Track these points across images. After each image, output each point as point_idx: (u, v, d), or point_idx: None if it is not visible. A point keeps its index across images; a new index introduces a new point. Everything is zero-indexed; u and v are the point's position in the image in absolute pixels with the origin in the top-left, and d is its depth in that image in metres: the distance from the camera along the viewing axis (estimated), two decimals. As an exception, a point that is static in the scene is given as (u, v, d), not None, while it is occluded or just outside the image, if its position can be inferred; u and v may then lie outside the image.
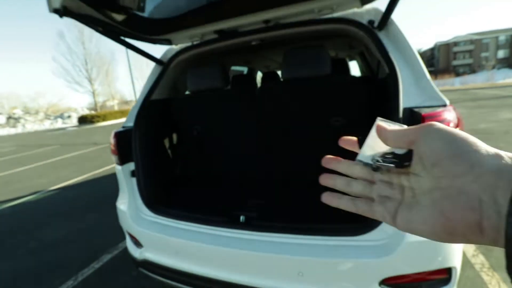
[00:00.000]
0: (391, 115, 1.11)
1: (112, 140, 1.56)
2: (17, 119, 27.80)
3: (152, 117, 1.71)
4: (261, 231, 1.22)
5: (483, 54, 48.83)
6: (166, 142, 1.97)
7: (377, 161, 0.31)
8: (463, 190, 0.23)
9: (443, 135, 0.26)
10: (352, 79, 1.44)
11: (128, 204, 1.55)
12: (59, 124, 28.30)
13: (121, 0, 1.36)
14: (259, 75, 4.13)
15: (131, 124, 1.63)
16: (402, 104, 1.07)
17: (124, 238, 2.63)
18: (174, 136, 2.08)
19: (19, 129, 25.42)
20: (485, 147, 0.24)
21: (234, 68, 3.40)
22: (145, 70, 37.52)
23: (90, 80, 27.59)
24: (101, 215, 3.29)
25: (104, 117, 21.62)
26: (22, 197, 4.42)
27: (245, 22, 1.59)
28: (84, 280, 2.14)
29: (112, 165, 5.90)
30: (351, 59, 4.15)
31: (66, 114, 30.53)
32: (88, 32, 27.08)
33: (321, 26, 1.40)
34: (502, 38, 48.24)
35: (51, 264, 2.40)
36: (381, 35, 1.30)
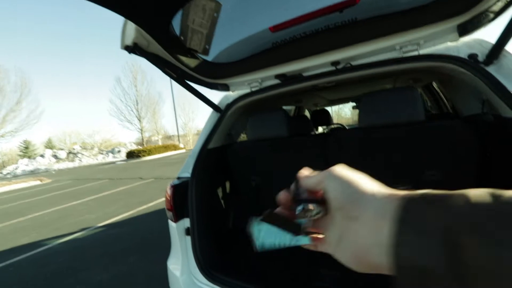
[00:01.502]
0: None
1: (168, 192, 1.44)
2: (75, 154, 31.15)
3: (210, 167, 1.59)
4: None
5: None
6: (220, 192, 1.82)
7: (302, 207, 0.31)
8: (358, 234, 0.27)
9: (341, 181, 0.29)
10: (456, 124, 1.15)
11: (181, 268, 1.36)
12: (110, 158, 30.97)
13: (188, 42, 1.36)
14: (306, 112, 3.99)
15: (187, 174, 1.52)
16: None
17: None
18: (227, 185, 1.92)
19: (76, 163, 28.30)
20: (376, 190, 0.28)
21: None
22: (187, 108, 40.51)
23: (139, 119, 30.40)
24: (143, 258, 3.18)
25: (150, 152, 23.12)
26: (72, 233, 4.58)
27: (311, 64, 1.46)
28: None
29: (156, 202, 5.99)
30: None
31: (116, 149, 33.46)
32: (140, 76, 30.61)
33: (407, 65, 1.19)
34: None
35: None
36: (491, 70, 1.04)
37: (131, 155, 23.83)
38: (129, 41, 1.20)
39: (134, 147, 33.20)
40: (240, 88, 1.73)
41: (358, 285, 1.16)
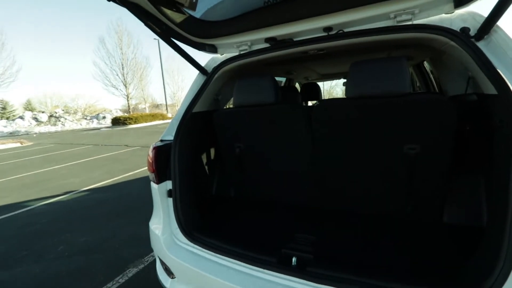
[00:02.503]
0: (509, 149, 0.84)
1: (150, 154, 1.42)
2: (57, 118, 29.96)
3: (194, 131, 1.56)
4: (318, 282, 0.99)
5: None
6: (204, 158, 1.81)
7: None
8: None
9: None
10: (435, 99, 1.17)
11: (163, 228, 1.39)
12: (94, 124, 30.05)
13: None
14: (297, 86, 3.93)
15: (170, 137, 1.49)
16: None
17: (150, 251, 2.52)
18: (212, 151, 1.92)
19: (58, 127, 27.35)
20: None
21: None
22: (176, 76, 39.04)
23: (125, 84, 29.10)
24: (128, 221, 3.24)
25: (136, 120, 22.54)
26: (56, 196, 4.55)
27: (303, 29, 1.40)
28: (108, 297, 2.02)
29: (141, 169, 5.97)
30: None
31: (101, 115, 32.39)
32: (126, 38, 28.79)
33: (399, 35, 1.16)
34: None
35: (77, 273, 2.33)
36: (481, 46, 1.03)
37: (116, 122, 23.17)
38: None
39: (120, 114, 32.22)
40: (228, 50, 1.66)
41: (332, 249, 1.23)
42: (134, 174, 5.67)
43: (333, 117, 1.38)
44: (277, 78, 3.53)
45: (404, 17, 1.20)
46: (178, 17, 1.40)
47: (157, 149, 1.41)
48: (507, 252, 0.77)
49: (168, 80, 38.33)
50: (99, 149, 10.00)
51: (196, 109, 1.56)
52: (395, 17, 1.22)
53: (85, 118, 32.06)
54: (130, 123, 22.10)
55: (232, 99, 2.13)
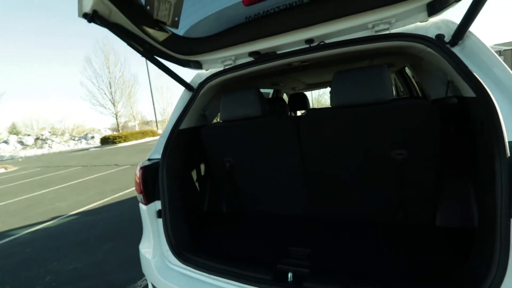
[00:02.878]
0: (491, 151, 0.86)
1: (137, 174, 1.38)
2: (44, 140, 29.23)
3: (182, 148, 1.54)
4: None
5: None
6: (194, 174, 1.78)
7: None
8: None
9: None
10: (418, 104, 1.19)
11: (153, 251, 1.34)
12: (83, 144, 29.43)
13: (155, 13, 1.26)
14: (285, 96, 3.97)
15: (158, 156, 1.46)
16: (508, 137, 0.82)
17: (143, 275, 2.42)
18: (202, 167, 1.89)
19: (45, 150, 26.62)
20: None
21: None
22: (165, 93, 39.05)
23: (113, 103, 28.84)
24: (119, 244, 3.11)
25: (126, 138, 22.21)
26: (42, 223, 4.36)
27: (285, 42, 1.42)
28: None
29: (132, 189, 5.82)
30: None
31: (90, 135, 31.79)
32: (113, 57, 28.79)
33: (377, 44, 1.20)
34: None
35: (65, 305, 2.20)
36: (456, 51, 1.07)
37: (105, 141, 22.77)
38: (87, 8, 1.08)
39: (109, 133, 31.74)
40: (213, 65, 1.67)
41: (328, 260, 1.20)
42: (125, 194, 5.52)
43: (320, 127, 1.38)
44: (264, 90, 3.57)
45: (381, 26, 1.24)
46: (161, 36, 1.40)
47: (144, 169, 1.38)
48: (500, 254, 0.77)
49: (157, 96, 38.27)
50: (88, 170, 9.75)
51: (183, 125, 1.55)
52: (373, 27, 1.25)
53: (73, 139, 31.40)
54: (119, 142, 21.76)
55: (218, 113, 2.12)
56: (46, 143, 28.77)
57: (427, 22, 1.22)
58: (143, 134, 24.13)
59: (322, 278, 1.02)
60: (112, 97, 28.58)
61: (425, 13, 1.16)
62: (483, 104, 0.89)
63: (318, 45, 1.35)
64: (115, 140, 21.95)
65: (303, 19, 1.31)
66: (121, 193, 5.60)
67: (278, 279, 1.06)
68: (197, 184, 1.80)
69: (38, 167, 13.32)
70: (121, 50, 33.44)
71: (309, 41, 1.39)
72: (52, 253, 3.17)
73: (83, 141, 30.57)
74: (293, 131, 1.46)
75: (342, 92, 1.23)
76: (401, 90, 3.12)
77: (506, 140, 0.81)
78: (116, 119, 29.73)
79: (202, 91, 1.59)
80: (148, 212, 1.36)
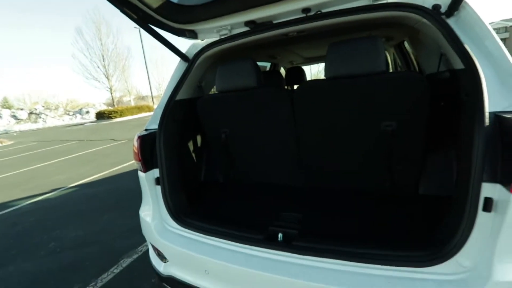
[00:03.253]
0: (470, 122, 0.90)
1: (135, 144, 1.42)
2: (38, 115, 28.79)
3: (178, 119, 1.56)
4: (302, 254, 1.05)
5: None
6: (191, 145, 1.82)
7: None
8: None
9: None
10: (409, 76, 1.22)
11: (152, 214, 1.41)
12: (78, 119, 29.11)
13: None
14: (282, 71, 3.92)
15: (155, 126, 1.49)
16: (488, 108, 0.86)
17: (144, 241, 2.55)
18: (199, 139, 1.92)
19: (39, 124, 26.35)
20: None
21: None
22: (159, 66, 38.00)
23: (107, 76, 28.08)
24: (119, 214, 3.24)
25: (121, 113, 21.98)
26: (42, 194, 4.46)
27: (281, 11, 1.39)
28: (103, 286, 2.05)
29: (130, 162, 5.90)
30: None
31: (84, 110, 31.33)
32: (105, 28, 27.55)
33: (374, 14, 1.19)
34: None
35: (70, 267, 2.34)
36: (451, 22, 1.07)
37: (101, 116, 22.53)
38: None
39: (104, 108, 31.26)
40: (209, 35, 1.64)
41: (316, 224, 1.29)
42: (123, 167, 5.61)
43: (313, 98, 1.41)
44: (262, 63, 3.51)
45: (379, -5, 1.22)
46: (155, 2, 1.36)
47: (141, 138, 1.41)
48: (469, 213, 0.84)
49: (152, 70, 37.23)
50: (85, 145, 9.76)
51: (179, 96, 1.56)
52: (371, -5, 1.24)
53: (68, 114, 30.98)
54: (115, 117, 21.56)
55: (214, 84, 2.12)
56: (40, 117, 28.38)
57: None
58: (139, 109, 23.85)
59: (309, 238, 1.11)
60: (106, 71, 27.79)
61: (423, -18, 1.14)
62: (470, 75, 0.91)
63: (315, 14, 1.34)
64: (111, 115, 21.72)
65: None
66: (118, 167, 5.68)
67: (269, 238, 1.14)
68: (193, 154, 1.85)
69: (34, 141, 13.28)
70: (113, 20, 31.93)
71: (306, 10, 1.37)
72: (54, 222, 3.29)
73: (78, 116, 30.20)
74: (287, 102, 1.49)
75: (336, 63, 1.24)
76: (400, 65, 3.10)
77: (487, 110, 0.85)
78: (111, 94, 29.16)
79: (198, 61, 1.58)
80: (147, 179, 1.42)
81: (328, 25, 1.35)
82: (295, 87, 3.99)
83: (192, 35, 1.63)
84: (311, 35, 1.65)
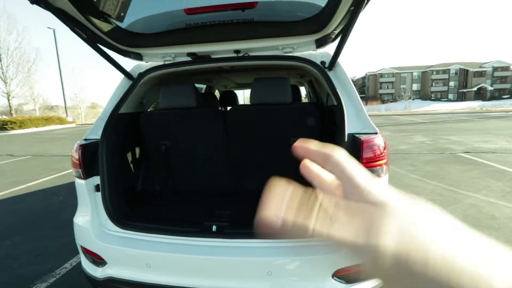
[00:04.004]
0: (339, 139, 1.41)
1: (75, 153, 1.49)
2: None
3: (120, 131, 1.70)
4: (232, 238, 1.35)
5: (402, 86, 58.94)
6: (129, 156, 1.94)
7: None
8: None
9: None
10: (307, 107, 1.73)
11: (91, 220, 1.48)
12: (-48, 129, 22.74)
13: (102, 5, 1.39)
14: (216, 93, 4.31)
15: (95, 136, 1.60)
16: (347, 130, 1.38)
17: (62, 264, 2.35)
18: (137, 150, 2.05)
19: None
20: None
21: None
22: (77, 74, 33.69)
23: (4, 80, 23.28)
24: (28, 238, 2.86)
25: (22, 124, 18.32)
26: None
27: (218, 49, 1.76)
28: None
29: (36, 182, 5.13)
30: (300, 85, 4.70)
31: (-36, 118, 24.78)
32: (5, 23, 23.22)
33: (283, 62, 1.68)
34: (415, 73, 59.88)
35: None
36: (330, 74, 1.63)
37: (-9, 126, 18.28)
38: None
39: (-4, 117, 25.43)
40: (153, 59, 1.87)
41: (242, 217, 1.61)
42: (28, 187, 4.83)
43: (242, 118, 1.80)
44: (198, 85, 3.81)
45: (287, 49, 1.72)
46: (105, 26, 1.53)
47: (83, 146, 1.50)
48: None
49: (67, 77, 32.59)
50: (-32, 161, 7.84)
51: (122, 110, 1.71)
52: (282, 48, 1.73)
53: None
54: (12, 128, 17.84)
55: (155, 102, 2.31)
56: None
57: (317, 52, 1.77)
58: (47, 120, 20.42)
59: (237, 227, 1.41)
60: (3, 73, 23.06)
61: (314, 46, 1.69)
62: (339, 109, 1.43)
63: (243, 55, 1.75)
64: (6, 126, 17.88)
65: (233, 33, 1.68)
66: (21, 186, 4.87)
67: (205, 230, 1.40)
68: (132, 165, 1.97)
69: None
70: (19, 15, 27.24)
71: (237, 51, 1.77)
72: None
73: (-46, 125, 23.63)
74: (220, 120, 1.83)
75: (258, 94, 1.66)
76: (311, 97, 3.88)
77: (346, 132, 1.36)
78: (8, 100, 24.14)
79: (142, 81, 1.77)
80: (87, 186, 1.49)
81: (253, 64, 1.78)
82: (228, 108, 4.43)
83: (138, 57, 1.84)
84: (240, 69, 2.07)
